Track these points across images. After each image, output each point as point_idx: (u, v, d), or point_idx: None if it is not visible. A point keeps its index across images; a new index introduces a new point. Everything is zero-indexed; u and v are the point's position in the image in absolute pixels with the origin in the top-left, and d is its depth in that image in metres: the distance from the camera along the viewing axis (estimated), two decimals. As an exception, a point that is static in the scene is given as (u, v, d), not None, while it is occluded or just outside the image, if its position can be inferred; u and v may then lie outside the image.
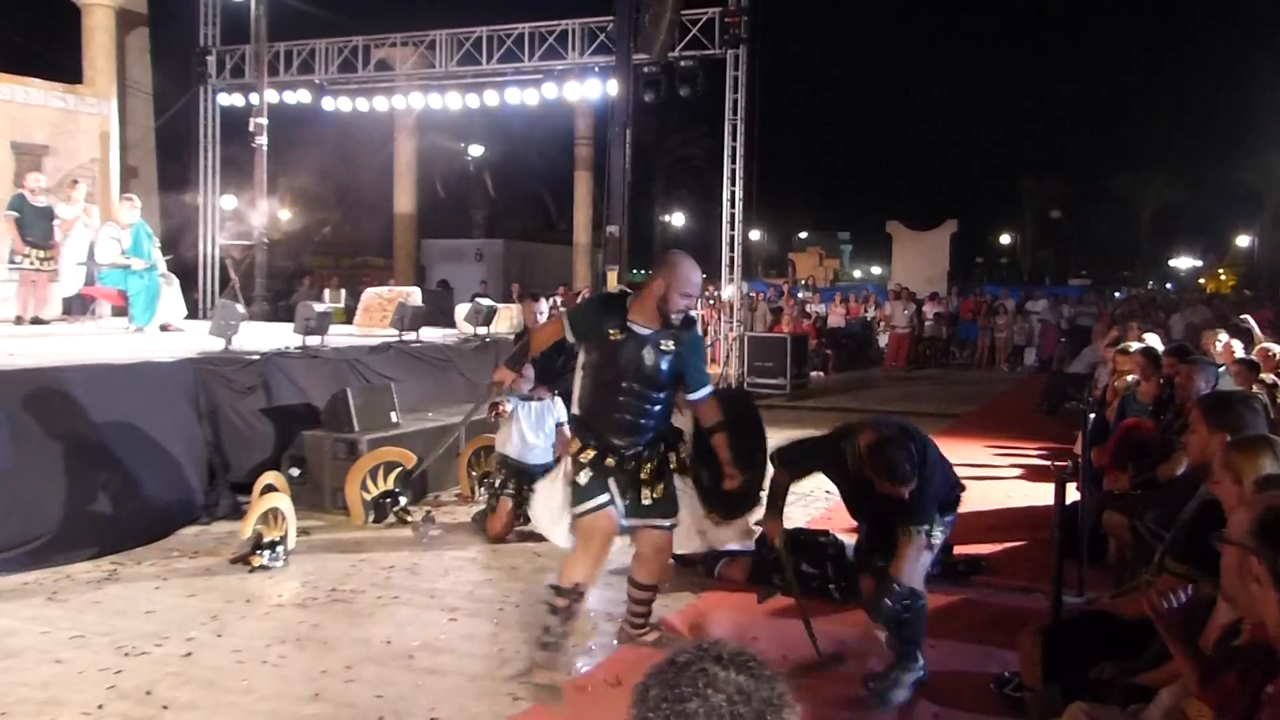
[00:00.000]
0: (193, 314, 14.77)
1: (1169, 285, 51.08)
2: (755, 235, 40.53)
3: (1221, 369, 7.48)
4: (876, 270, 61.26)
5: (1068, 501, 7.80)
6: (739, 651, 1.50)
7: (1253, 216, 46.78)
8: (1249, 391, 4.62)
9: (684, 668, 1.48)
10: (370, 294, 13.53)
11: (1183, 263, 56.12)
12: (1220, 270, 53.39)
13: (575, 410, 4.82)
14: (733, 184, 16.68)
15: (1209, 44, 47.61)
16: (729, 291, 17.26)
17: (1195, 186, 50.11)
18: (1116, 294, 33.62)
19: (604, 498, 4.67)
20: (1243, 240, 49.40)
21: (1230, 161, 45.20)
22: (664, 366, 4.66)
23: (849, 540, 6.14)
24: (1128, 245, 55.69)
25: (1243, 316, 11.10)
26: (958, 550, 6.53)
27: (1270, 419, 3.68)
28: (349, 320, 13.78)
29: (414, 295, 12.68)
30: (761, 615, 5.62)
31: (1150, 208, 53.01)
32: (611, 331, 4.61)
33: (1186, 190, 50.90)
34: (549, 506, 4.90)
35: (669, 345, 4.65)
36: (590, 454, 4.70)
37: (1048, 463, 10.57)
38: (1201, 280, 50.76)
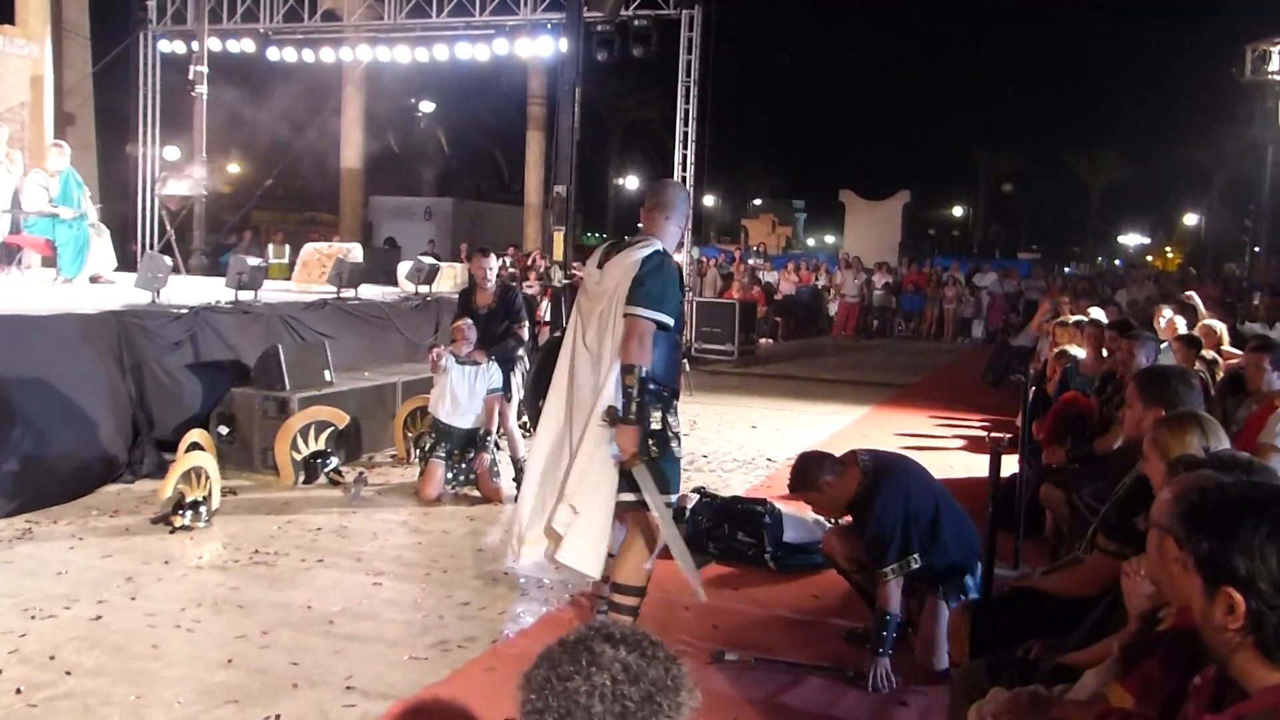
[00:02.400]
0: (129, 266, 14.39)
1: (1118, 261, 51.69)
2: (709, 201, 40.42)
3: (1164, 345, 7.50)
4: (830, 239, 61.29)
5: (1006, 474, 7.84)
6: (633, 631, 1.45)
7: (1201, 195, 47.34)
8: (1186, 367, 4.57)
9: (571, 647, 1.42)
10: (309, 249, 13.26)
11: (1131, 239, 56.76)
12: (1167, 248, 54.08)
13: (651, 384, 4.15)
14: (685, 148, 16.51)
15: (1161, 21, 48.00)
16: (680, 256, 17.14)
17: (1145, 164, 50.69)
18: (1067, 269, 33.92)
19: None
20: (1190, 218, 50.00)
21: (1180, 140, 45.71)
22: None
23: (787, 509, 6.09)
24: (1078, 221, 56.26)
25: (1188, 293, 11.15)
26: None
27: (1209, 396, 3.61)
28: (289, 276, 13.51)
29: (354, 251, 12.42)
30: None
31: (1101, 184, 53.59)
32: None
33: (1136, 168, 51.48)
34: (597, 520, 4.21)
35: None
36: (670, 430, 4.31)
37: (992, 435, 10.59)
38: (1149, 257, 51.38)
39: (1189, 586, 1.59)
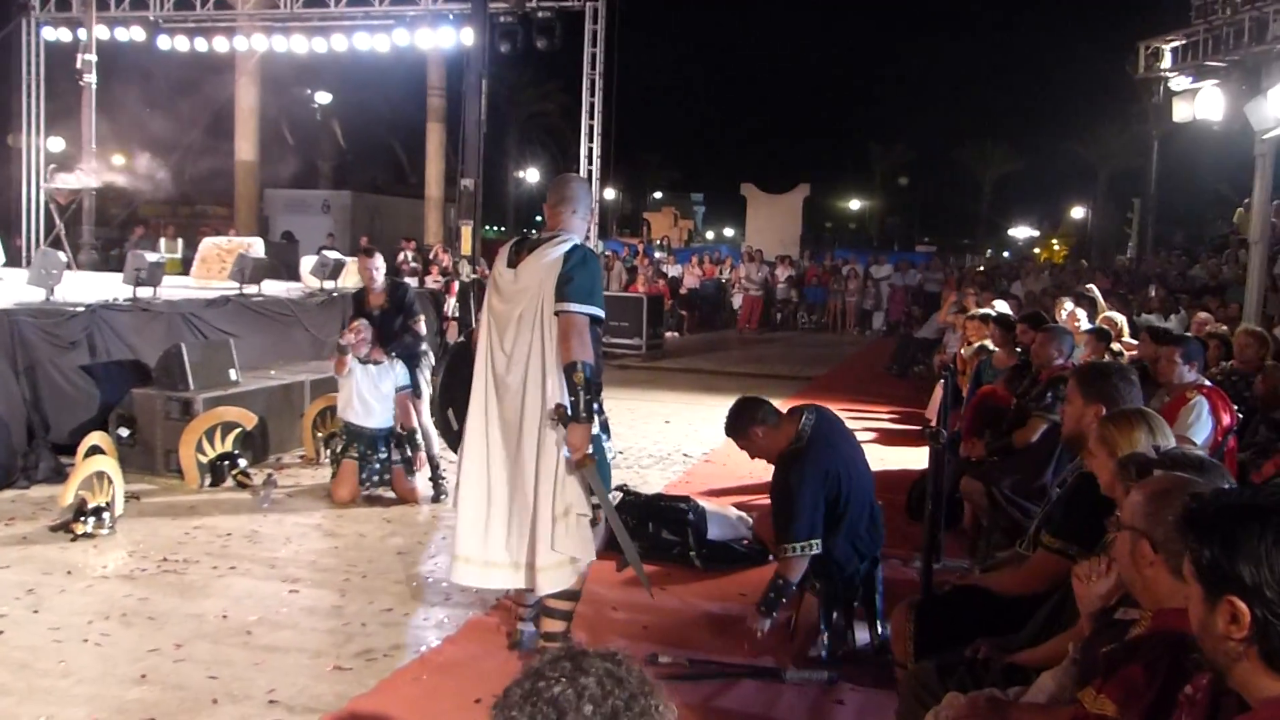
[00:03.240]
0: (14, 262, 13.81)
1: (1006, 253, 52.96)
2: (610, 194, 40.35)
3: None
4: (729, 232, 61.75)
5: (923, 466, 7.93)
6: (603, 649, 1.45)
7: (1087, 188, 48.69)
8: (1125, 364, 4.65)
9: (549, 662, 1.42)
10: (208, 244, 12.89)
11: (1020, 232, 58.19)
12: (1054, 240, 55.58)
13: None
14: (590, 141, 16.44)
15: (1047, 16, 49.30)
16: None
17: (1033, 158, 51.97)
18: (967, 260, 34.62)
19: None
20: (1077, 211, 51.42)
21: (1067, 134, 46.91)
22: None
23: (710, 506, 6.06)
24: (970, 213, 57.50)
25: (1088, 286, 11.44)
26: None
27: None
28: (186, 272, 13.08)
29: (256, 246, 12.11)
30: (619, 584, 5.47)
31: (991, 177, 54.79)
32: None
33: (1025, 161, 52.75)
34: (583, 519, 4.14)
35: None
36: (605, 427, 4.29)
37: (900, 426, 10.74)
38: (1036, 249, 52.73)
39: (1181, 593, 1.57)
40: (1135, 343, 8.46)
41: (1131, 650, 1.87)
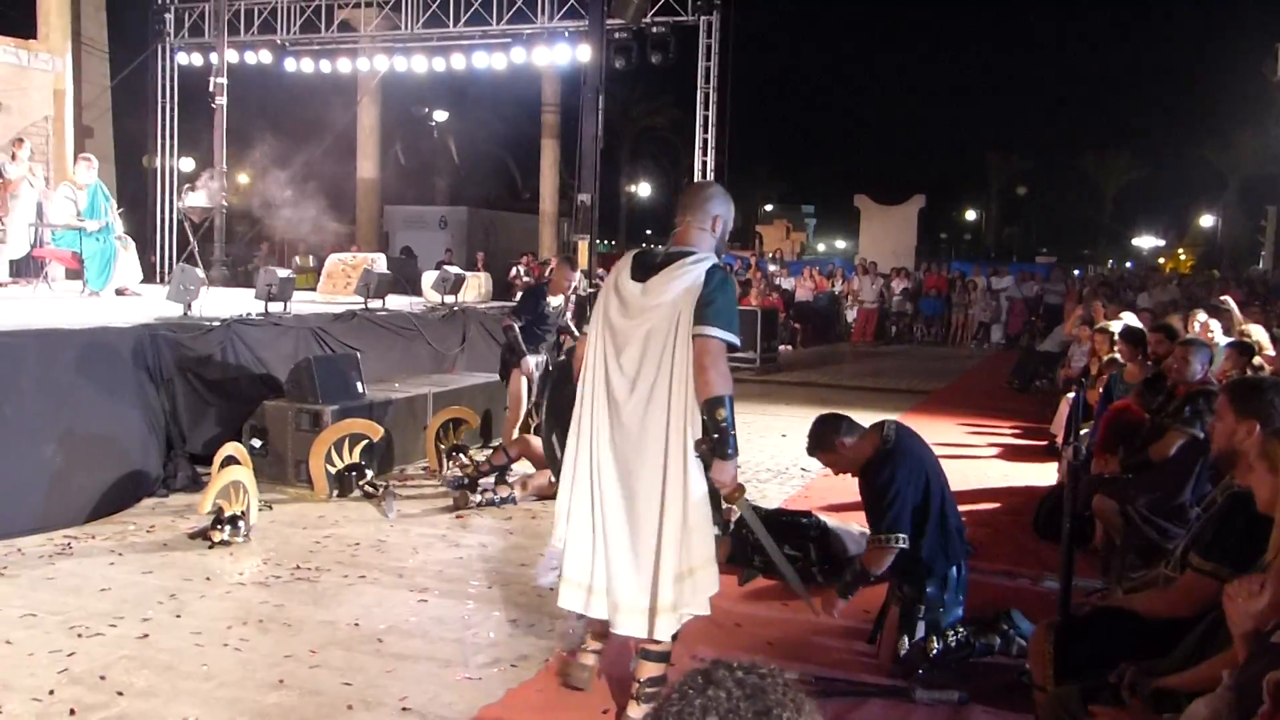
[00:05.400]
0: (149, 278, 14.37)
1: (1128, 264, 51.44)
2: (722, 207, 40.27)
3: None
4: (840, 244, 61.20)
5: (1050, 483, 7.75)
6: (751, 660, 1.49)
7: (1216, 196, 47.11)
8: (1276, 378, 4.47)
9: (693, 674, 1.45)
10: (334, 260, 13.23)
11: (1144, 241, 56.54)
12: (1180, 250, 53.85)
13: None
14: (704, 154, 16.47)
15: (1176, 20, 47.82)
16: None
17: (1159, 165, 50.53)
18: (1075, 271, 33.70)
19: None
20: (1205, 220, 49.77)
21: (1195, 140, 45.55)
22: None
23: (833, 522, 6.01)
24: (1090, 223, 56.11)
25: (1223, 297, 11.04)
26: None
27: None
28: (314, 287, 13.46)
29: (379, 261, 12.39)
30: (742, 598, 5.45)
31: (1113, 186, 53.44)
32: None
33: (1150, 169, 51.32)
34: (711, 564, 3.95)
35: None
36: None
37: (1023, 441, 10.50)
38: (1161, 259, 51.15)
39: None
40: (1275, 354, 8.15)
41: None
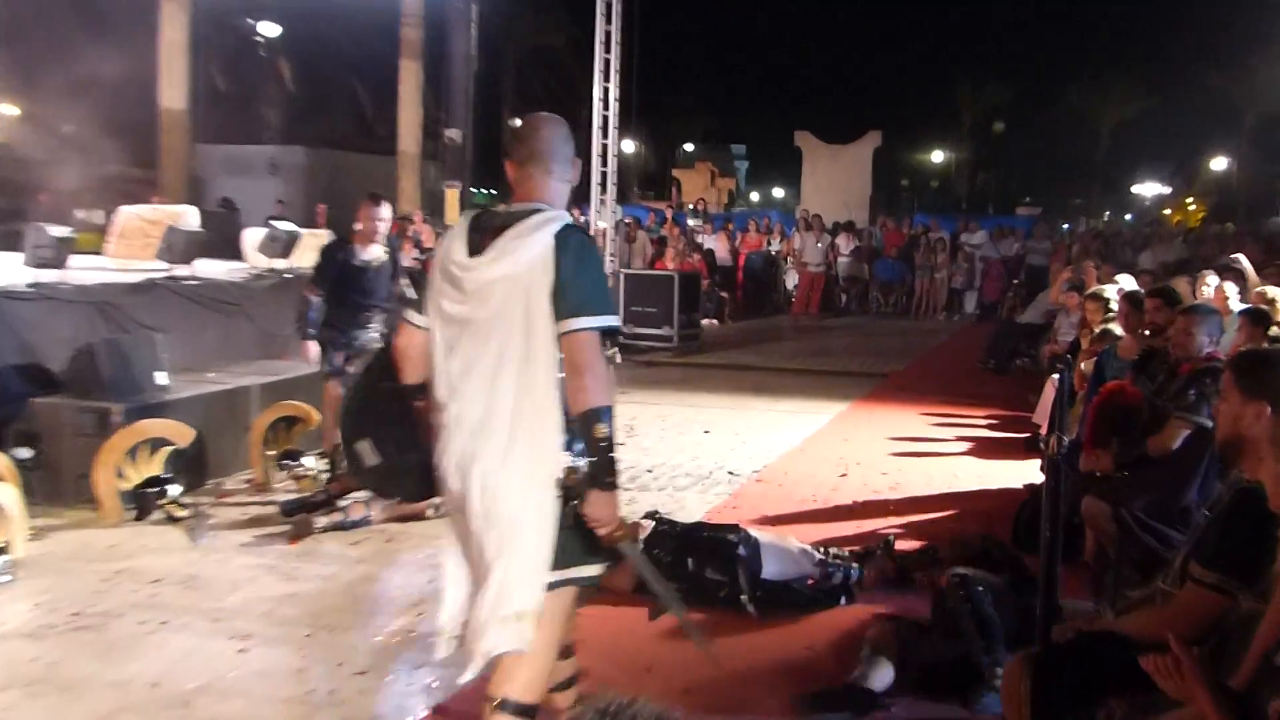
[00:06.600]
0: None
1: (1128, 216, 52.68)
2: (630, 147, 40.41)
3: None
4: (779, 193, 61.83)
5: (1031, 482, 7.88)
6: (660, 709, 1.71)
7: (1230, 135, 48.40)
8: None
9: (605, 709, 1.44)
10: (128, 214, 12.93)
11: (1147, 189, 57.91)
12: (1188, 199, 55.27)
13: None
14: (606, 80, 16.45)
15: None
16: (601, 217, 17.04)
17: (1163, 97, 51.60)
18: (1064, 226, 34.41)
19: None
20: (1218, 163, 51.10)
21: (1204, 67, 46.61)
22: None
23: (765, 537, 6.05)
24: (1082, 167, 57.27)
25: (1235, 256, 11.33)
26: (901, 546, 6.52)
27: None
28: (100, 250, 13.16)
29: (187, 216, 12.17)
30: (653, 637, 5.45)
31: (1109, 122, 54.53)
32: None
33: (1152, 102, 52.37)
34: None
35: None
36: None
37: (1000, 434, 10.69)
38: (1166, 210, 52.42)
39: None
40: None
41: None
